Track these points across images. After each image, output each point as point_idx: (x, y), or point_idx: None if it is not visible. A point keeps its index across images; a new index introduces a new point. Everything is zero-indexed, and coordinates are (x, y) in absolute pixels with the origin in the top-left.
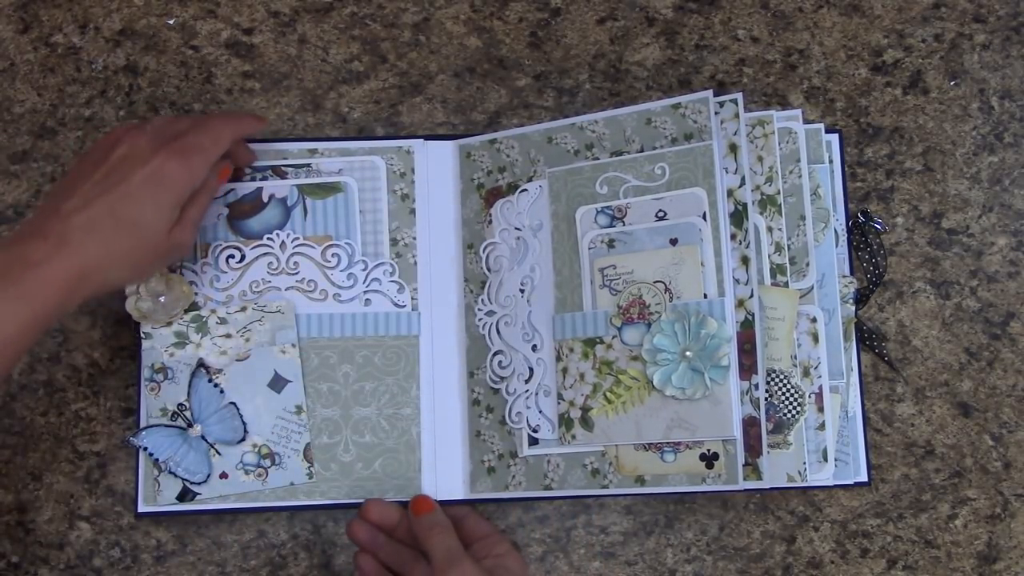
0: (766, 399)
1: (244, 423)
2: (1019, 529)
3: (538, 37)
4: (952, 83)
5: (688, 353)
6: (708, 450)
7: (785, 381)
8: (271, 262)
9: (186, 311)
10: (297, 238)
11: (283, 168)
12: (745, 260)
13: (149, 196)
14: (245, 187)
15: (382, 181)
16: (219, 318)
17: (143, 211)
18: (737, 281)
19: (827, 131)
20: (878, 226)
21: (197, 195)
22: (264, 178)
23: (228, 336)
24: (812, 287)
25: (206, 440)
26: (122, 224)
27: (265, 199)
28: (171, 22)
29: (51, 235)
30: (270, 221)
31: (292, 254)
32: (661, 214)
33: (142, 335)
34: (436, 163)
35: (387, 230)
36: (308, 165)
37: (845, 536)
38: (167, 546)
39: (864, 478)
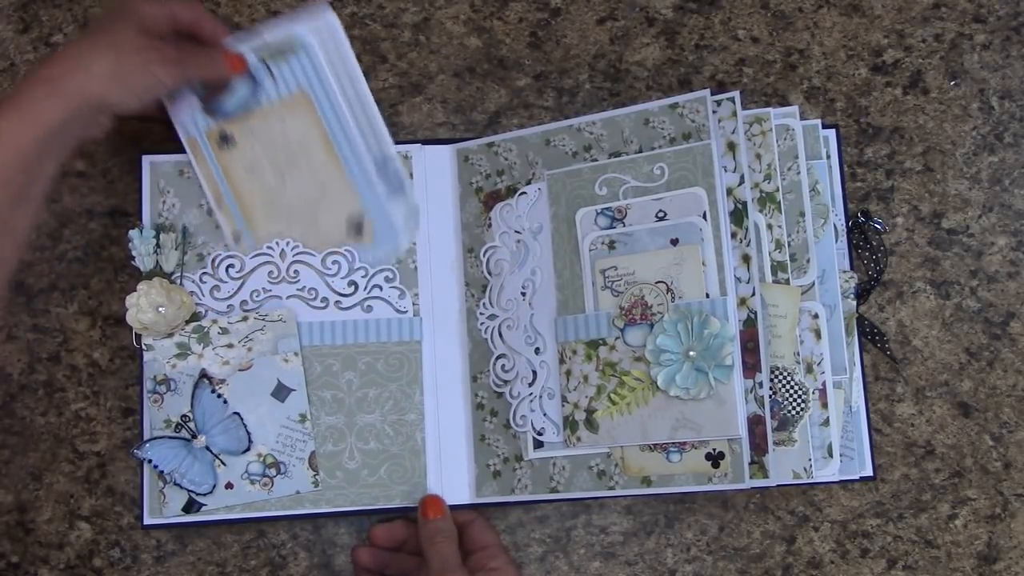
0: (770, 397)
1: (248, 433)
2: (1019, 529)
3: (538, 37)
4: (952, 83)
5: (691, 353)
6: (714, 449)
7: (789, 378)
8: (271, 271)
9: (187, 322)
10: (297, 246)
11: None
12: (746, 258)
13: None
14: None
15: (340, 34)
16: (221, 328)
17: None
18: (739, 280)
19: (824, 127)
20: (878, 226)
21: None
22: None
23: (230, 346)
24: (813, 283)
25: (211, 451)
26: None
27: None
28: None
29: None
30: (243, 96)
31: (292, 262)
32: (661, 214)
33: (143, 347)
34: (434, 168)
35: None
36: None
37: (845, 536)
38: (167, 546)
39: (869, 472)
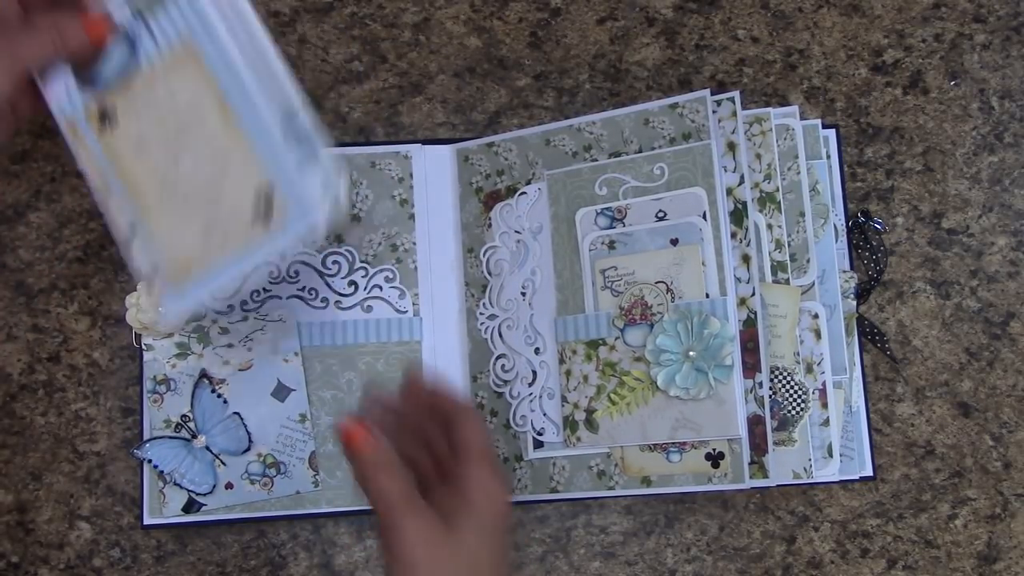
0: (770, 397)
1: (248, 433)
2: (1019, 529)
3: (538, 37)
4: (952, 83)
5: (691, 353)
6: (714, 449)
7: (788, 378)
8: (271, 271)
9: (187, 321)
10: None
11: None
12: (746, 258)
13: None
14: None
15: None
16: (221, 328)
17: None
18: (738, 280)
19: (824, 127)
20: (878, 226)
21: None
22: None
23: (230, 346)
24: (813, 283)
25: (211, 451)
26: None
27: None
28: None
29: None
30: (120, 59)
31: (292, 262)
32: (661, 214)
33: (143, 347)
34: (434, 168)
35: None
36: None
37: (845, 536)
38: (167, 546)
39: (869, 472)
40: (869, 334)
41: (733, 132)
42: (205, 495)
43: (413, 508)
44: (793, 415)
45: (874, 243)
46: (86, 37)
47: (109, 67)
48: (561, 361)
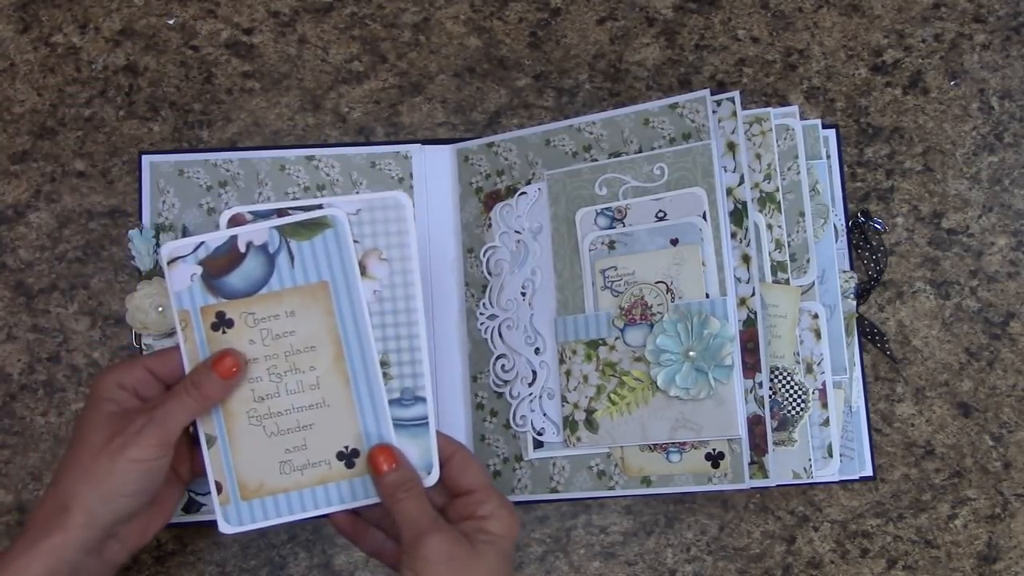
0: (770, 397)
1: None
2: (1019, 529)
3: (538, 37)
4: (952, 83)
5: (691, 353)
6: (713, 449)
7: (788, 378)
8: None
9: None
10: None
11: (287, 211)
12: (746, 258)
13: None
14: (216, 238)
15: (407, 220)
16: None
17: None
18: (738, 280)
19: (824, 127)
20: (878, 226)
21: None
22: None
23: None
24: (813, 283)
25: None
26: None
27: (242, 248)
28: (171, 22)
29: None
30: (252, 274)
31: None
32: (661, 214)
33: (143, 347)
34: (434, 168)
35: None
36: (319, 207)
37: (845, 536)
38: (167, 546)
39: (869, 472)
40: (869, 334)
41: (733, 132)
42: (205, 495)
43: (438, 526)
44: (793, 415)
45: (874, 243)
46: (222, 382)
47: (239, 279)
48: (561, 361)
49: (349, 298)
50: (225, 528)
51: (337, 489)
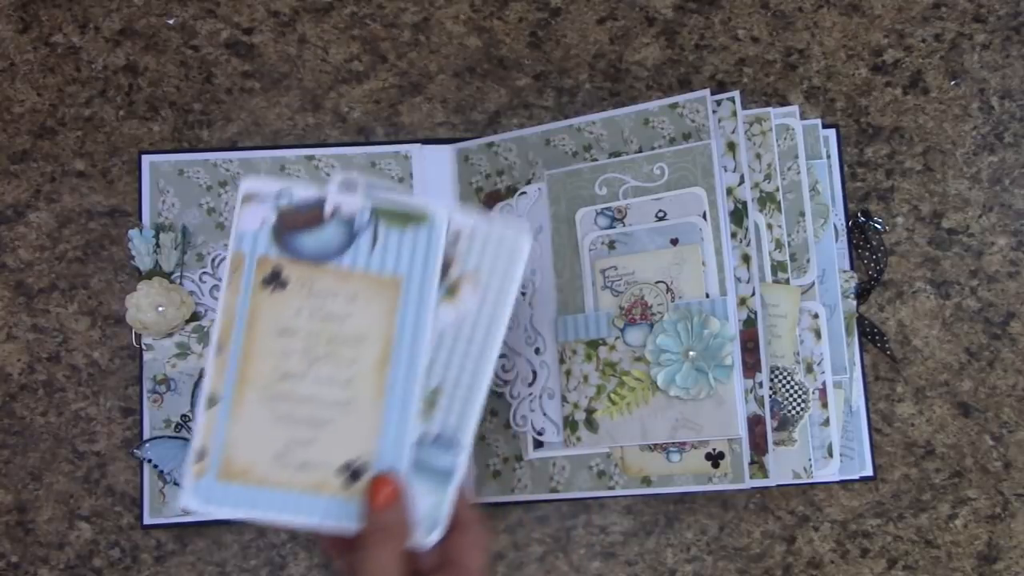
0: (770, 397)
1: None
2: (1019, 529)
3: (538, 37)
4: (952, 83)
5: (691, 353)
6: (714, 449)
7: (788, 378)
8: None
9: (187, 321)
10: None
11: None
12: (746, 258)
13: None
14: (303, 189)
15: (519, 263)
16: None
17: None
18: (739, 279)
19: (824, 127)
20: (878, 226)
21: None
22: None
23: None
24: (813, 283)
25: None
26: None
27: (327, 212)
28: (171, 22)
29: None
30: (328, 242)
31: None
32: (661, 214)
33: (143, 347)
34: (434, 168)
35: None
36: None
37: (845, 536)
38: (167, 546)
39: (869, 472)
40: (869, 334)
41: (733, 132)
42: None
43: None
44: (793, 415)
45: (874, 243)
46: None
47: (312, 242)
48: (561, 361)
49: (418, 304)
50: (189, 502)
51: (326, 503)
